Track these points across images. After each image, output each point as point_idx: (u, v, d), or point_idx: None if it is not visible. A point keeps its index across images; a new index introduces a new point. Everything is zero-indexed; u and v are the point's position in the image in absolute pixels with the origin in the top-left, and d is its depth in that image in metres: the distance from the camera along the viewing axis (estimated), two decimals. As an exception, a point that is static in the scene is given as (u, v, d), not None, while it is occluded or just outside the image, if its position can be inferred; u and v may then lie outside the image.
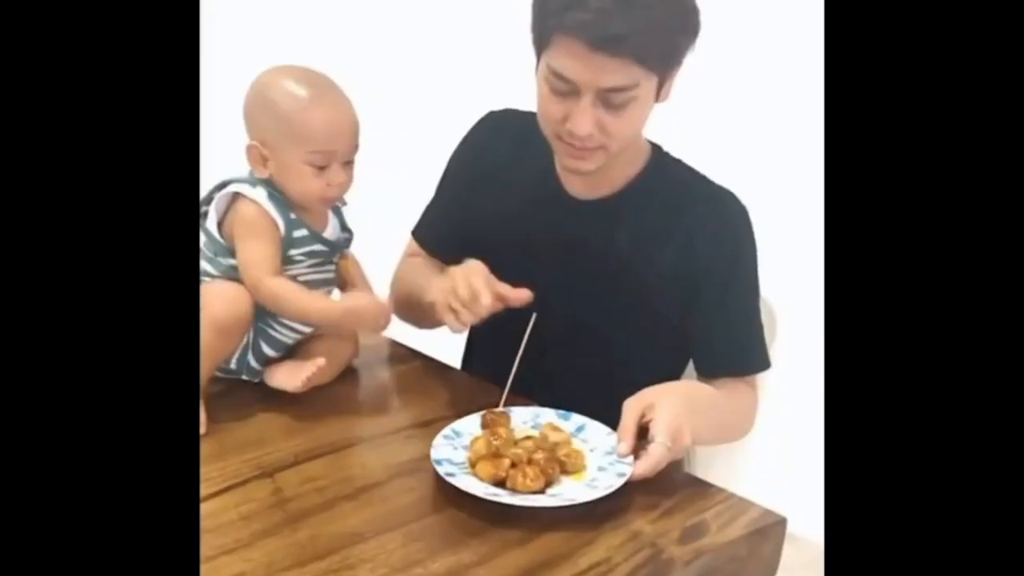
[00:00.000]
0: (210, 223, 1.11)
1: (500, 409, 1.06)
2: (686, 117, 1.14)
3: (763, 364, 1.24)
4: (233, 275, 1.10)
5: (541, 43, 1.09)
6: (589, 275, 1.22)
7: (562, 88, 1.07)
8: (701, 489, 0.98)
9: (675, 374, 1.28)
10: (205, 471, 0.94)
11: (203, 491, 0.91)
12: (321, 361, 1.10)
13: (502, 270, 1.13)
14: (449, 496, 0.93)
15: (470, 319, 1.07)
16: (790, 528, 0.97)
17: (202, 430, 1.02)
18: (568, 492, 0.94)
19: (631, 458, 0.97)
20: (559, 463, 0.97)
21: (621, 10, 1.00)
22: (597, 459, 1.00)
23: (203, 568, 0.79)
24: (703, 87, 1.22)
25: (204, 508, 0.89)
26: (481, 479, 0.94)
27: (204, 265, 1.11)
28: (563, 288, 1.21)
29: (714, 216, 1.22)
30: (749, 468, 1.32)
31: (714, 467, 1.26)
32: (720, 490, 0.98)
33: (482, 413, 1.05)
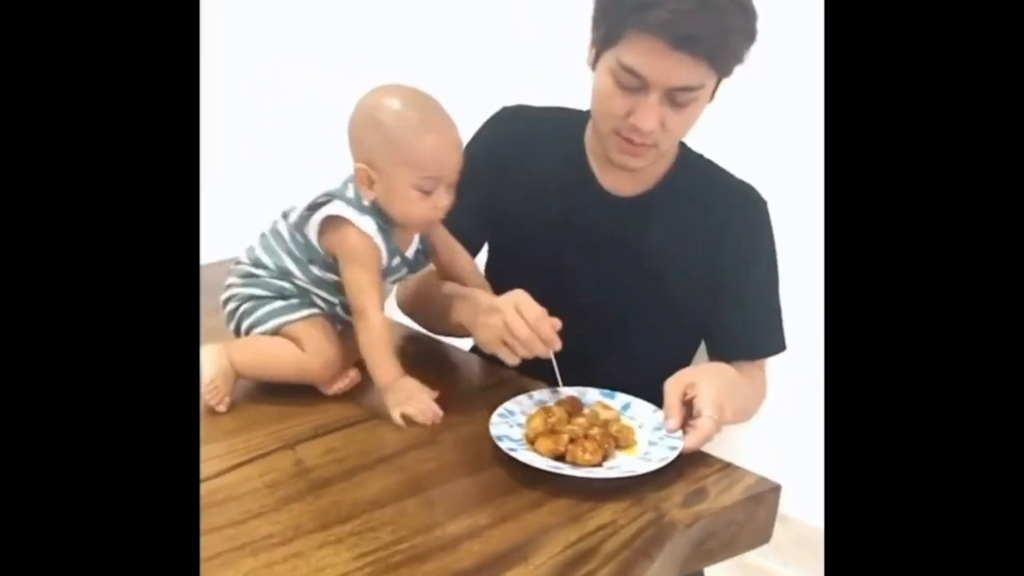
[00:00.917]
0: (311, 231, 1.09)
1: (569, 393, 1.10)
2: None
3: (778, 347, 1.28)
4: (319, 288, 1.11)
5: (610, 38, 1.10)
6: (618, 269, 1.24)
7: (631, 84, 1.09)
8: (701, 458, 1.02)
9: (686, 363, 1.31)
10: (231, 443, 0.99)
11: (229, 462, 0.96)
12: (355, 374, 1.13)
13: (529, 260, 1.15)
14: (463, 466, 0.98)
15: (526, 355, 1.06)
16: (781, 508, 1.00)
17: (223, 408, 1.06)
18: (625, 465, 0.97)
19: (679, 432, 1.02)
20: (613, 438, 1.01)
21: (700, 11, 1.02)
22: (646, 434, 1.04)
23: (233, 531, 0.84)
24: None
25: (231, 477, 0.93)
26: (541, 454, 0.98)
27: (289, 265, 1.10)
28: (590, 280, 1.24)
29: (739, 213, 1.25)
30: (745, 452, 1.36)
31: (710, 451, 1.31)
32: (718, 459, 1.02)
33: (559, 399, 1.09)
